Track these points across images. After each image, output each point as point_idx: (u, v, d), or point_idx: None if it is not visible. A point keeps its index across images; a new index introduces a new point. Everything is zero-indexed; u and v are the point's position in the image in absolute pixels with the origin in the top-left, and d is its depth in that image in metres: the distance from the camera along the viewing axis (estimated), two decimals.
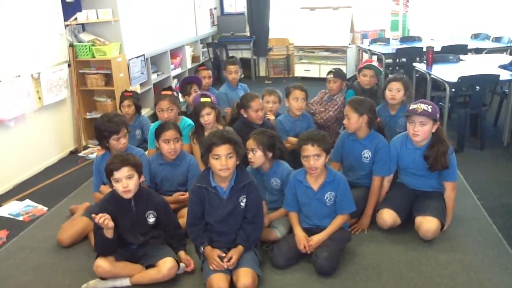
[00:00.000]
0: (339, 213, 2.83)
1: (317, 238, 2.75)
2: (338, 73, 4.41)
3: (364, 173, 3.27)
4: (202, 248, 2.62)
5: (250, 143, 2.94)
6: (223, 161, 2.48)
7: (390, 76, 3.74)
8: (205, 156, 2.55)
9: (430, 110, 2.90)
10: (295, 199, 2.88)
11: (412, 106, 2.96)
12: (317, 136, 2.74)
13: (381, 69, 4.47)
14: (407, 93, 3.64)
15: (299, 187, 2.85)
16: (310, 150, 2.70)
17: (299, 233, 2.81)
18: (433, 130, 2.96)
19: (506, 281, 2.57)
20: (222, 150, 2.49)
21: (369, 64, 4.38)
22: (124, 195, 2.58)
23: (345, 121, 3.23)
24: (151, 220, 2.70)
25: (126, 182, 2.54)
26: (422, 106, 2.91)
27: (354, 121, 3.16)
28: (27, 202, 3.87)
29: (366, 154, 3.22)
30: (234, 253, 2.58)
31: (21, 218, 3.59)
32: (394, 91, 3.62)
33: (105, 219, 2.48)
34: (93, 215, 2.52)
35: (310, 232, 2.82)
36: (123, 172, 2.53)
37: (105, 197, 2.74)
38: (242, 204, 2.63)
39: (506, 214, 3.30)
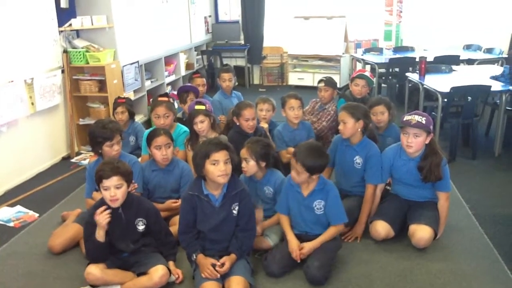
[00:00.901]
0: (332, 224, 2.81)
1: (309, 246, 2.74)
2: (329, 82, 4.42)
3: (356, 180, 3.27)
4: (194, 256, 2.62)
5: (244, 152, 2.94)
6: (222, 166, 2.48)
7: (371, 99, 3.76)
8: (199, 165, 2.53)
9: (424, 121, 2.90)
10: (287, 202, 2.88)
11: (406, 117, 2.95)
12: (310, 155, 2.69)
13: (374, 79, 4.49)
14: (391, 112, 3.65)
15: (291, 191, 2.86)
16: (294, 163, 2.71)
17: (292, 239, 2.80)
18: (427, 142, 2.96)
19: None
20: (221, 155, 2.49)
21: (361, 74, 4.40)
22: (111, 204, 2.56)
23: (340, 127, 3.21)
24: (141, 227, 2.68)
25: (114, 191, 2.52)
26: (416, 118, 2.91)
27: (351, 126, 3.16)
28: (18, 208, 3.84)
29: (358, 160, 3.23)
30: (227, 260, 2.58)
31: (11, 224, 3.56)
32: (379, 115, 3.62)
33: (105, 213, 2.50)
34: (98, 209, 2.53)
35: (299, 238, 2.82)
36: (112, 181, 2.51)
37: (95, 204, 2.70)
38: (235, 211, 2.63)
39: (497, 224, 3.32)
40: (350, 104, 3.28)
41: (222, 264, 2.55)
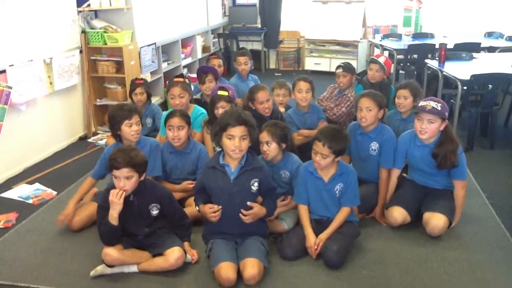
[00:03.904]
0: (343, 205, 2.82)
1: (324, 238, 2.75)
2: (347, 67, 4.35)
3: (373, 167, 3.27)
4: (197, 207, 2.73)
5: (265, 136, 2.94)
6: (236, 142, 2.49)
7: (401, 82, 3.72)
8: (218, 135, 2.55)
9: (439, 108, 2.86)
10: (306, 191, 2.87)
11: (422, 103, 2.93)
12: (335, 137, 2.70)
13: (391, 65, 4.41)
14: (417, 100, 3.50)
15: (310, 178, 2.84)
16: (319, 148, 2.70)
17: (310, 234, 2.78)
18: (441, 128, 2.93)
19: None
20: (237, 131, 2.49)
21: (373, 58, 4.37)
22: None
23: (362, 114, 3.17)
24: (155, 212, 2.69)
25: (123, 182, 2.52)
26: (432, 104, 2.88)
27: (375, 114, 3.16)
28: (37, 185, 3.90)
29: (374, 146, 3.22)
30: (256, 206, 2.64)
31: (30, 201, 3.62)
32: (401, 99, 3.57)
33: (120, 194, 2.50)
34: (111, 191, 2.53)
35: (320, 224, 2.83)
36: (122, 173, 2.50)
37: (107, 187, 2.72)
38: (253, 187, 2.62)
39: None
40: (372, 93, 3.24)
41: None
